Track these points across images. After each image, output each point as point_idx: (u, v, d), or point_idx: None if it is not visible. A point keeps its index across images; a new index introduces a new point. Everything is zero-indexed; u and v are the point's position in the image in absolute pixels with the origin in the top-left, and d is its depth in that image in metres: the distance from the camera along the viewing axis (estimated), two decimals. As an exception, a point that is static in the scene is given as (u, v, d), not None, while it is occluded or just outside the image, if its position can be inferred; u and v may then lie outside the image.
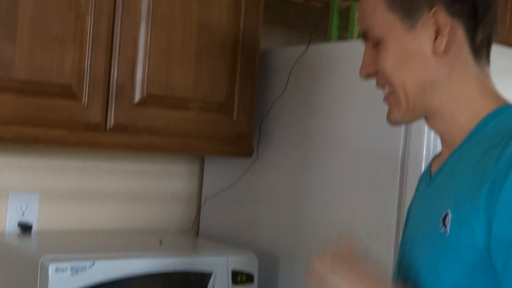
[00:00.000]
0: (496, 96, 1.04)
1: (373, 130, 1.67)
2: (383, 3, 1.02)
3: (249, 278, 1.76)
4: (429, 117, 1.05)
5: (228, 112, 1.88)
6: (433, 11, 0.99)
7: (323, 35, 2.03)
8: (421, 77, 1.01)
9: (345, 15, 1.98)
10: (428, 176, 1.08)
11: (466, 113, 1.01)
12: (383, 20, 1.02)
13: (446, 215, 0.94)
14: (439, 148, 1.50)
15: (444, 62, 1.00)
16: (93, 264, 1.51)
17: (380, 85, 1.06)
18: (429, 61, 1.00)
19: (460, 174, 0.97)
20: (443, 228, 0.94)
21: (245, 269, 1.76)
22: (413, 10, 1.00)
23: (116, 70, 1.66)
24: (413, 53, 1.01)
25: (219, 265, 1.71)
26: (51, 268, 1.45)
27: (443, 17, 0.99)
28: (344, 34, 1.99)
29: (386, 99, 1.06)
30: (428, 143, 1.58)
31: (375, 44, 1.04)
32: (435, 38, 1.00)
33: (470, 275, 0.92)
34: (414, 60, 1.01)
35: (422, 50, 1.00)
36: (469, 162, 0.96)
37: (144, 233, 2.05)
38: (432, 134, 1.55)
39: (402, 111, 1.04)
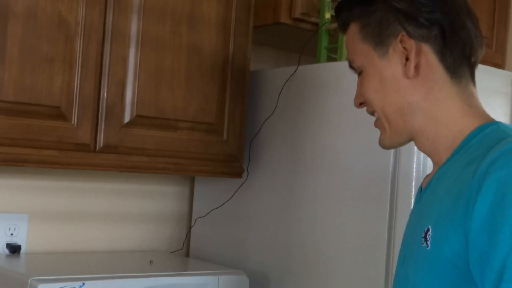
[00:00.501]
0: (480, 114, 1.06)
1: (363, 149, 1.68)
2: (358, 35, 1.10)
3: (240, 298, 1.76)
4: (416, 139, 1.09)
5: (218, 132, 1.89)
6: (399, 38, 1.05)
7: (312, 57, 2.05)
8: (398, 101, 1.06)
9: (334, 36, 2.00)
10: (418, 193, 1.12)
11: (450, 132, 1.05)
12: (361, 51, 1.10)
13: (427, 230, 0.97)
14: (429, 166, 1.52)
15: (418, 84, 1.05)
16: (83, 285, 1.50)
17: (369, 112, 1.13)
18: (403, 84, 1.06)
19: (441, 190, 1.00)
20: (424, 243, 0.97)
21: (236, 289, 1.76)
22: (382, 39, 1.07)
23: (105, 91, 1.67)
24: (388, 78, 1.07)
25: (209, 285, 1.71)
26: (40, 290, 1.44)
27: (409, 42, 1.05)
28: (332, 55, 2.01)
29: (375, 124, 1.13)
30: (418, 161, 1.59)
31: (359, 74, 1.12)
32: (405, 62, 1.05)
33: None
34: (389, 85, 1.07)
35: (396, 75, 1.06)
36: (450, 178, 0.99)
37: (134, 253, 2.04)
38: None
39: (388, 135, 1.10)
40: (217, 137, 1.89)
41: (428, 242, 0.96)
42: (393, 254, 1.59)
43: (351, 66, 1.14)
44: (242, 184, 1.99)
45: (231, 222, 2.03)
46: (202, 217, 2.12)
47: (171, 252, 2.16)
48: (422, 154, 1.56)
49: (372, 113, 1.12)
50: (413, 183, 1.58)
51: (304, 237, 1.81)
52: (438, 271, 0.94)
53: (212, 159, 1.88)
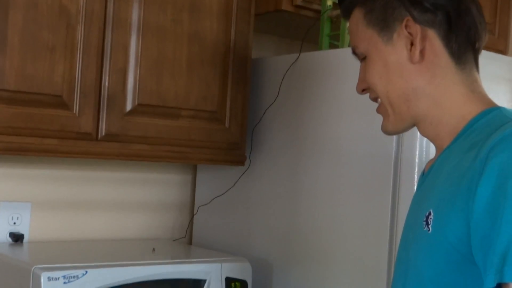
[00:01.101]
0: (484, 99, 1.06)
1: (365, 135, 1.68)
2: (363, 21, 1.10)
3: (243, 285, 1.76)
4: (419, 124, 1.09)
5: (220, 120, 1.89)
6: (404, 23, 1.05)
7: (314, 44, 2.05)
8: (403, 86, 1.06)
9: (336, 23, 2.00)
10: (421, 178, 1.12)
11: (453, 117, 1.05)
12: (365, 36, 1.10)
13: (429, 214, 0.97)
14: (431, 151, 1.52)
15: (423, 70, 1.05)
16: (86, 272, 1.50)
17: (372, 98, 1.13)
18: (408, 70, 1.06)
19: (443, 174, 1.00)
20: (426, 227, 0.97)
21: (239, 276, 1.76)
22: (387, 24, 1.07)
23: (107, 79, 1.66)
24: (393, 64, 1.07)
25: (212, 272, 1.71)
26: (44, 277, 1.44)
27: (414, 27, 1.05)
28: (334, 42, 2.00)
29: (378, 110, 1.13)
30: (421, 146, 1.58)
31: (363, 60, 1.11)
32: (410, 48, 1.05)
33: (453, 273, 0.94)
34: (394, 71, 1.07)
35: (401, 60, 1.06)
36: (452, 162, 0.99)
37: (137, 242, 2.04)
38: (424, 138, 1.55)
39: (391, 120, 1.10)
40: (219, 125, 1.88)
41: (430, 226, 0.96)
42: (395, 240, 1.59)
43: (354, 52, 1.14)
44: (244, 172, 1.99)
45: (234, 210, 2.04)
46: (205, 205, 2.12)
47: (173, 240, 2.16)
48: (424, 139, 1.56)
49: (375, 99, 1.12)
50: (416, 169, 1.58)
51: (306, 224, 1.81)
52: (439, 255, 0.95)
53: (214, 147, 1.88)
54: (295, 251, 1.84)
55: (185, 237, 2.19)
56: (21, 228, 1.86)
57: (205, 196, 2.13)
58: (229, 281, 1.74)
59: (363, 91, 1.13)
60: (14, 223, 1.85)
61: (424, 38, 1.04)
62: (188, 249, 2.09)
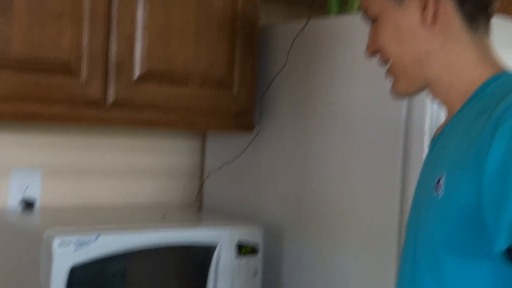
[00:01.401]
0: (495, 64, 1.06)
1: (375, 101, 1.67)
2: None
3: (254, 249, 1.77)
4: (430, 87, 1.09)
5: (228, 87, 1.88)
6: None
7: (323, 10, 2.03)
8: (415, 49, 1.06)
9: (344, -12, 1.98)
10: (431, 142, 1.12)
11: (464, 81, 1.04)
12: None
13: (440, 179, 0.97)
14: (441, 116, 1.52)
15: (436, 33, 1.04)
16: (97, 237, 1.51)
17: (382, 60, 1.12)
18: (421, 33, 1.05)
19: (453, 138, 1.00)
20: (436, 191, 0.97)
21: (250, 241, 1.77)
22: None
23: (114, 46, 1.66)
24: (405, 27, 1.06)
25: (223, 237, 1.72)
26: (55, 242, 1.45)
27: None
28: (343, 8, 1.98)
29: (387, 73, 1.12)
30: (431, 112, 1.58)
31: (373, 22, 1.10)
32: (423, 11, 1.04)
33: (464, 237, 0.94)
34: (407, 34, 1.06)
35: (413, 23, 1.05)
36: (463, 127, 0.99)
37: (148, 207, 2.06)
38: (435, 103, 1.55)
39: (402, 83, 1.10)
40: (228, 92, 1.88)
41: (441, 190, 0.96)
42: (406, 205, 1.60)
43: (364, 15, 1.13)
44: (253, 139, 1.99)
45: (244, 176, 2.04)
46: (215, 171, 2.13)
47: (184, 206, 2.18)
48: (435, 105, 1.55)
49: (385, 61, 1.11)
50: (426, 134, 1.57)
51: (316, 190, 1.82)
52: (450, 220, 0.95)
53: (223, 114, 1.88)
54: (305, 216, 1.84)
55: (195, 203, 2.20)
56: (32, 194, 1.88)
57: (215, 163, 2.14)
58: (240, 246, 1.75)
59: (373, 53, 1.13)
60: (26, 190, 1.87)
61: (437, 0, 1.03)
62: (199, 214, 2.10)
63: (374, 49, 1.11)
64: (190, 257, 1.70)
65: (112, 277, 1.59)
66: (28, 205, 1.85)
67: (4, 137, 1.85)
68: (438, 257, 0.97)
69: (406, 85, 1.09)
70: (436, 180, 0.98)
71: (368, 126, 1.69)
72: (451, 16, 1.04)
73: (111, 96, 1.67)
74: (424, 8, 1.04)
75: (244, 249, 1.75)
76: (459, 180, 0.93)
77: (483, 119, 0.93)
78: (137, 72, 1.71)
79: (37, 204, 1.88)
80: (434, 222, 0.98)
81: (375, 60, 1.15)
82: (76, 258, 1.48)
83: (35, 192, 1.88)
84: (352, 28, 1.74)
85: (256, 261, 1.78)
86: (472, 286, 0.94)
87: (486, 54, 1.05)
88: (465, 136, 0.96)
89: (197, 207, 2.20)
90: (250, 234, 1.78)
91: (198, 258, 1.71)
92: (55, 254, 1.45)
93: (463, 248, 0.94)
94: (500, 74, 1.03)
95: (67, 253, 1.46)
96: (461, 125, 1.00)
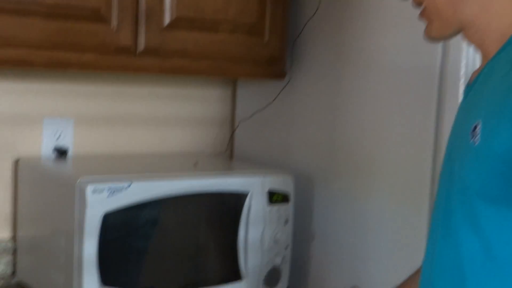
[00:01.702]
0: None
1: (409, 47, 1.63)
2: None
3: (285, 197, 1.78)
4: (465, 30, 1.04)
5: (259, 33, 1.85)
6: None
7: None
8: None
9: None
10: (466, 88, 1.09)
11: (502, 23, 1.00)
12: None
13: (476, 126, 0.94)
14: (477, 61, 1.47)
15: None
16: (130, 185, 1.53)
17: (415, 3, 1.08)
18: None
19: (490, 84, 0.96)
20: (472, 139, 0.94)
21: (281, 188, 1.77)
22: None
23: (144, -7, 1.64)
24: None
25: (255, 185, 1.72)
26: (89, 189, 1.47)
27: None
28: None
29: (420, 15, 1.08)
30: (467, 58, 1.54)
31: None
32: None
33: (500, 186, 0.91)
34: None
35: None
36: (499, 72, 0.95)
37: (179, 156, 2.07)
38: (471, 49, 1.51)
39: (436, 25, 1.05)
40: (259, 38, 1.85)
41: (477, 138, 0.94)
42: (439, 153, 1.57)
43: None
44: (284, 86, 1.97)
45: (275, 124, 2.03)
46: (246, 119, 2.12)
47: (215, 155, 2.18)
48: (471, 49, 1.51)
49: (419, 3, 1.07)
50: (461, 80, 1.54)
51: (348, 138, 1.80)
52: (485, 167, 0.92)
53: (253, 61, 1.86)
54: (337, 164, 1.83)
55: (226, 151, 2.20)
56: (65, 143, 1.90)
57: (245, 111, 2.13)
58: (271, 193, 1.75)
59: None
60: (58, 138, 1.89)
61: None
62: (230, 163, 2.11)
63: None
64: (221, 204, 1.71)
65: (145, 224, 1.61)
66: (61, 153, 1.87)
67: (35, 86, 1.85)
68: (473, 206, 0.95)
69: (440, 28, 1.05)
70: (472, 128, 0.95)
71: (402, 71, 1.66)
72: None
73: (142, 43, 1.65)
74: None
75: (275, 197, 1.75)
76: (496, 127, 0.90)
77: None
78: (167, 19, 1.69)
79: (70, 153, 1.90)
80: (469, 170, 0.95)
81: (409, 2, 1.11)
82: (109, 205, 1.50)
83: (67, 141, 1.90)
84: (387, -29, 1.69)
85: (287, 209, 1.78)
86: (510, 235, 0.92)
87: None
88: (502, 82, 0.93)
89: (228, 156, 2.21)
90: (281, 182, 1.78)
91: (229, 206, 1.72)
92: (88, 200, 1.47)
93: (499, 197, 0.92)
94: None
95: (100, 200, 1.48)
96: (497, 71, 0.96)
